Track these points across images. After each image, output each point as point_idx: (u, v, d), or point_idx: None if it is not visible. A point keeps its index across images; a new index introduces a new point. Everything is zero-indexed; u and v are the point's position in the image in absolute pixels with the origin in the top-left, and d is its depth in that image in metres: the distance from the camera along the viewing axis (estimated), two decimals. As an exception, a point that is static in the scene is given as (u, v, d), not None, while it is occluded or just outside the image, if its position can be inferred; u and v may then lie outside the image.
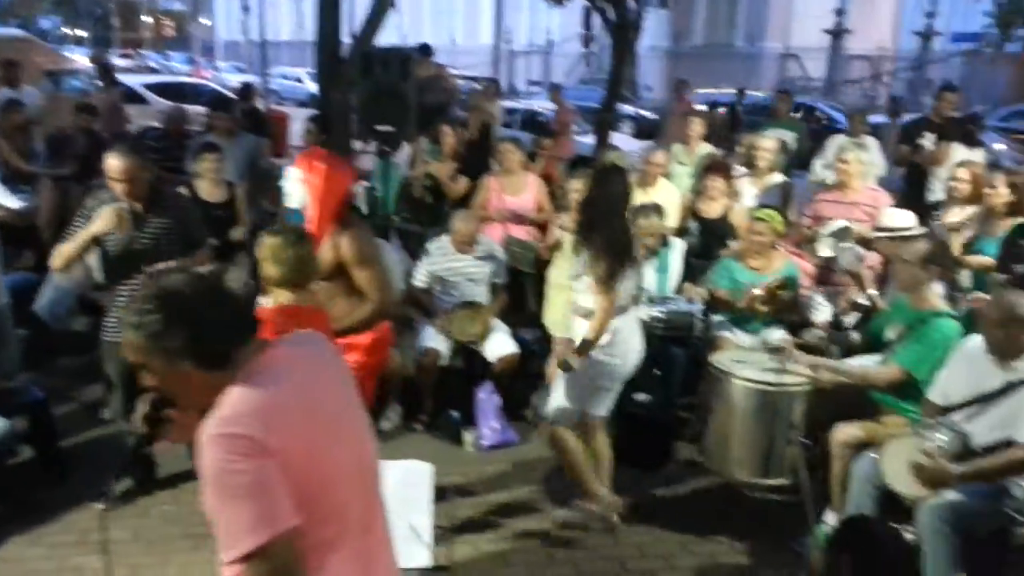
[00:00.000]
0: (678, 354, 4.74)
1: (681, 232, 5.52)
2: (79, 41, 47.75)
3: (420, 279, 4.95)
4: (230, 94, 12.42)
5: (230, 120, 6.49)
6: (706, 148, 6.78)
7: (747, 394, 3.81)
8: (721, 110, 13.33)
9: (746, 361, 3.99)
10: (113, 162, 3.48)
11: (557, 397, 3.74)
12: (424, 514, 2.57)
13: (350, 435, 1.70)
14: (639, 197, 5.55)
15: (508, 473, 4.38)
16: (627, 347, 3.71)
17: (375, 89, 5.26)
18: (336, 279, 3.29)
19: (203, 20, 42.86)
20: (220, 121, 6.39)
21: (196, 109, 14.37)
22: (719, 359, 4.06)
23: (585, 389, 3.70)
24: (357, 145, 6.38)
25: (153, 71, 30.83)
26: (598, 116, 9.87)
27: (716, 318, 4.86)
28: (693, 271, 5.18)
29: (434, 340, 4.77)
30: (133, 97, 13.81)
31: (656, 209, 4.96)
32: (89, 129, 6.96)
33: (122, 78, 17.49)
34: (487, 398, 4.69)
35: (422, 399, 4.84)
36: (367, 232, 3.46)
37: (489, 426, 4.65)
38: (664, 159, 5.94)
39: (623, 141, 12.62)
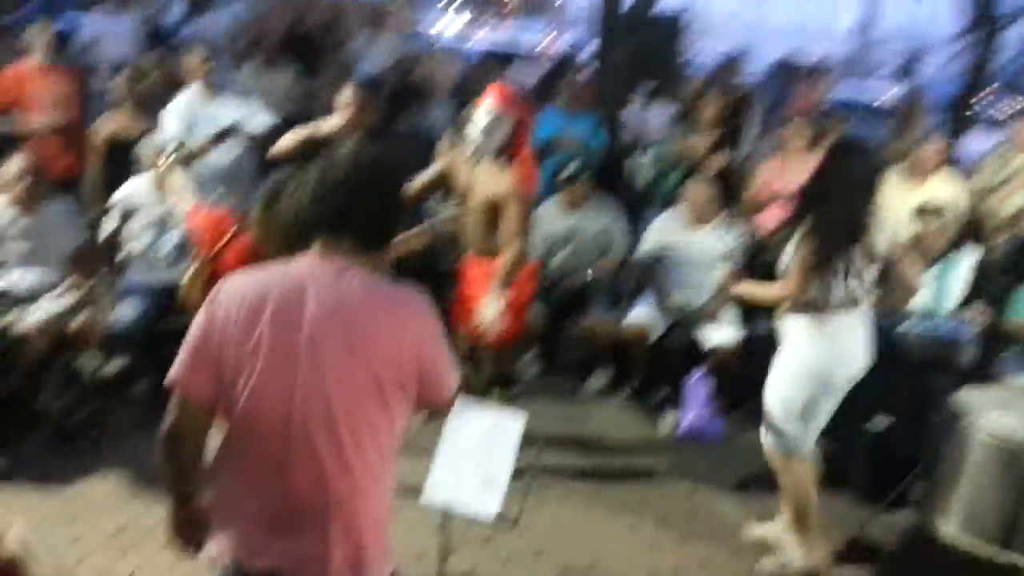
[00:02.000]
0: (938, 383, 3.97)
1: (978, 238, 4.58)
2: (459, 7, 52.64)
3: (644, 249, 4.68)
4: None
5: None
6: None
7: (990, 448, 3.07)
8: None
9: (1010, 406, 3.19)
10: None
11: (774, 414, 3.21)
12: (505, 465, 2.44)
13: (304, 378, 1.64)
14: (911, 193, 4.75)
15: (693, 463, 4.06)
16: (844, 351, 3.13)
17: (639, 51, 5.04)
18: (488, 212, 3.43)
19: (567, -9, 44.64)
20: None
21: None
22: (969, 398, 3.29)
23: (796, 402, 3.15)
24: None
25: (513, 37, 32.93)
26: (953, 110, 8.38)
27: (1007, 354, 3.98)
28: (988, 289, 4.29)
29: (645, 315, 4.50)
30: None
31: (937, 209, 4.16)
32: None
33: (473, 44, 18.94)
34: (697, 383, 4.35)
35: (631, 369, 4.63)
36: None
37: (692, 413, 4.32)
38: (942, 148, 4.95)
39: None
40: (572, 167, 4.80)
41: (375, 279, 1.73)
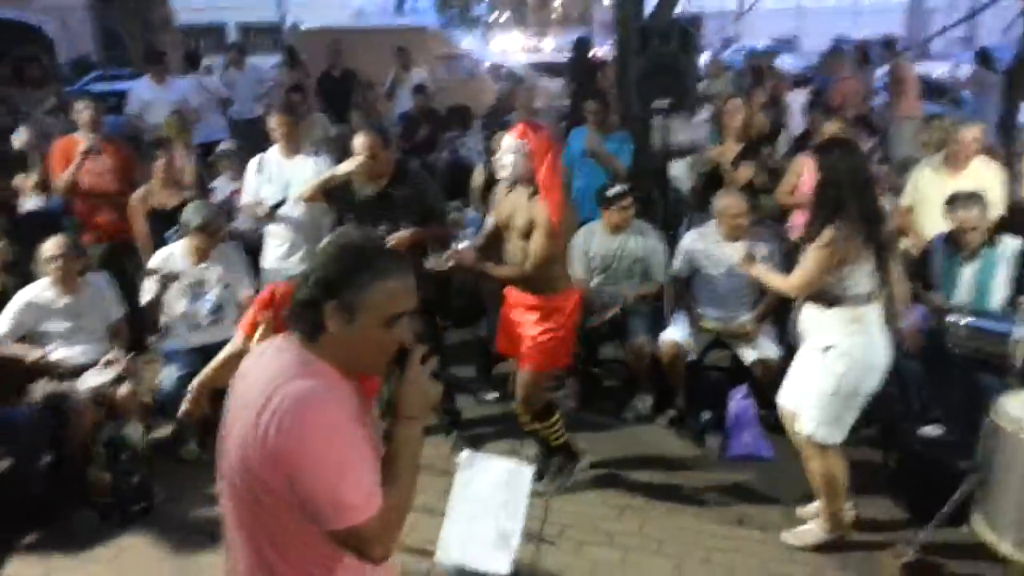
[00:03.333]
0: (990, 384, 3.75)
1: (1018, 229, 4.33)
2: (499, 24, 53.13)
3: (677, 264, 4.59)
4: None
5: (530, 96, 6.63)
6: None
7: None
8: None
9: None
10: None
11: (814, 405, 3.27)
12: (517, 519, 2.40)
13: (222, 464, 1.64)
14: (946, 182, 4.53)
15: (745, 487, 3.94)
16: (878, 342, 3.20)
17: (654, 63, 4.94)
18: (524, 239, 3.48)
19: (605, 1, 44.60)
20: (522, 96, 6.58)
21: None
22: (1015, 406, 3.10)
23: (834, 392, 3.21)
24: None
25: (558, 50, 32.96)
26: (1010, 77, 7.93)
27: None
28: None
29: (680, 332, 4.40)
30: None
31: (975, 198, 3.95)
32: (429, 109, 7.67)
33: (506, 59, 19.04)
34: (740, 403, 4.23)
35: (673, 392, 4.53)
36: (570, 210, 3.53)
37: (737, 434, 4.20)
38: (978, 134, 4.70)
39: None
40: (616, 189, 4.73)
41: (292, 366, 1.57)
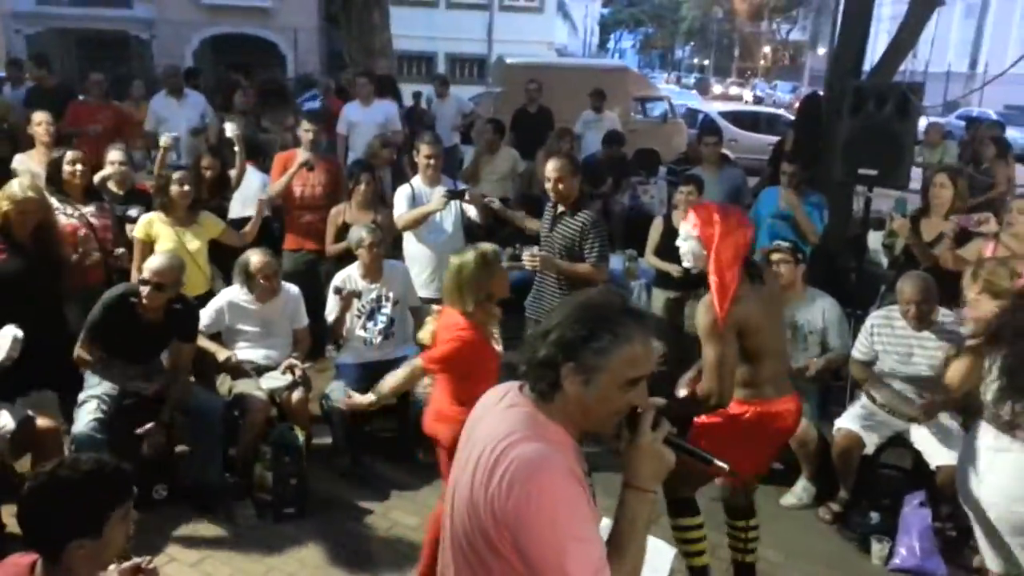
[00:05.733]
0: None
1: None
2: (702, 68, 52.58)
3: (860, 350, 4.24)
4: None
5: (716, 150, 6.42)
6: None
7: None
8: None
9: None
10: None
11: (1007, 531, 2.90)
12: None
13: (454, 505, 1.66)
14: None
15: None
16: None
17: (866, 126, 4.64)
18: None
19: (820, 50, 43.03)
20: (707, 149, 6.37)
21: (762, 138, 14.56)
22: None
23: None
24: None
25: (758, 100, 32.15)
26: None
27: None
28: None
29: (857, 421, 4.07)
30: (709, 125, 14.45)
31: None
32: (619, 157, 7.66)
33: (703, 106, 18.73)
34: (915, 510, 3.84)
35: (838, 485, 4.20)
36: (755, 304, 2.95)
37: (907, 544, 3.81)
38: None
39: None
40: (786, 253, 4.49)
41: (524, 424, 1.56)
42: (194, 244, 4.64)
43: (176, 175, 4.63)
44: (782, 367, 3.18)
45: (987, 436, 2.88)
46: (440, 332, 3.26)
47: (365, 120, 7.75)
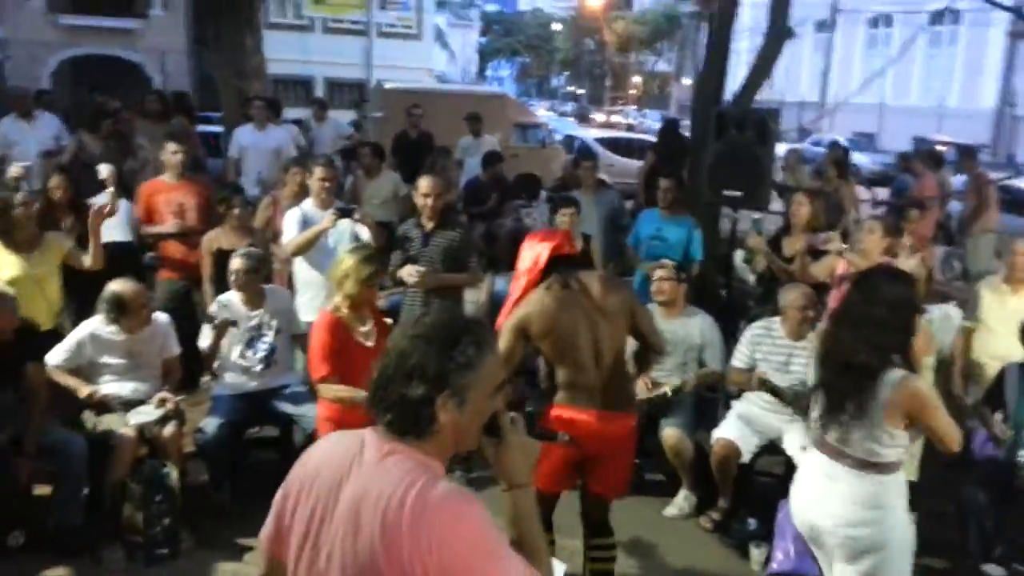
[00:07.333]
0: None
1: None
2: (576, 97, 54.27)
3: (739, 359, 4.42)
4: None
5: (591, 174, 6.63)
6: None
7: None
8: None
9: None
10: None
11: None
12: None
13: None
14: (1007, 301, 4.36)
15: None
16: None
17: (729, 151, 4.90)
18: None
19: (685, 81, 45.24)
20: (584, 173, 6.57)
21: (635, 163, 15.13)
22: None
23: None
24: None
25: (630, 127, 33.40)
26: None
27: None
28: None
29: (733, 430, 4.24)
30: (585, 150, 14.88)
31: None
32: (500, 177, 7.77)
33: (579, 132, 19.31)
34: (788, 515, 3.96)
35: (717, 494, 4.35)
36: (549, 310, 3.16)
37: (783, 548, 3.97)
38: None
39: None
40: (669, 271, 4.68)
41: (414, 473, 1.46)
42: (40, 269, 4.37)
43: (17, 196, 4.38)
44: (580, 379, 3.17)
45: (821, 462, 2.79)
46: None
47: (258, 145, 7.56)
